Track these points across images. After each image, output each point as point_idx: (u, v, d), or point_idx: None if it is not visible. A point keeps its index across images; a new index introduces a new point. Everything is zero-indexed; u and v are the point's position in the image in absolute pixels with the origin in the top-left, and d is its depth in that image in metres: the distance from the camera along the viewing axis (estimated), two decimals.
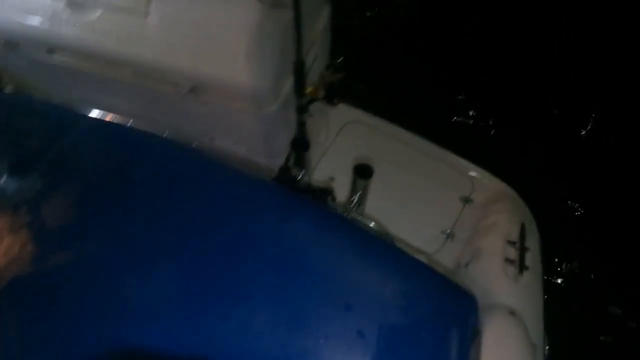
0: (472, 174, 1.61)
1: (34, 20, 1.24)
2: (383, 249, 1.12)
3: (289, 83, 1.21)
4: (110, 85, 1.33)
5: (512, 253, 1.21)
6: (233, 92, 1.17)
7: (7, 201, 1.11)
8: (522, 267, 1.15)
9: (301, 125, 1.21)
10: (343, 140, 1.71)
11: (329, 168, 1.63)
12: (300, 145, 1.25)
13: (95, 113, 1.38)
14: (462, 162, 1.64)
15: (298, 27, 0.94)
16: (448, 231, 1.49)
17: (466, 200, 1.55)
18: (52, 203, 1.12)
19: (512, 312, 1.03)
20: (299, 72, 1.03)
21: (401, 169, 1.62)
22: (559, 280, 1.91)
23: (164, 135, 1.33)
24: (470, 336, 0.98)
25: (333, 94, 1.16)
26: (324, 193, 1.32)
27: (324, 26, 1.41)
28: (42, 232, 1.07)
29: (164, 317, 0.98)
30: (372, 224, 1.29)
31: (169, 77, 1.21)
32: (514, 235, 1.26)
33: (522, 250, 1.20)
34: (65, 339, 0.97)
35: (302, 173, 1.33)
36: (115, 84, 1.32)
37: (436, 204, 1.55)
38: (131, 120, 1.38)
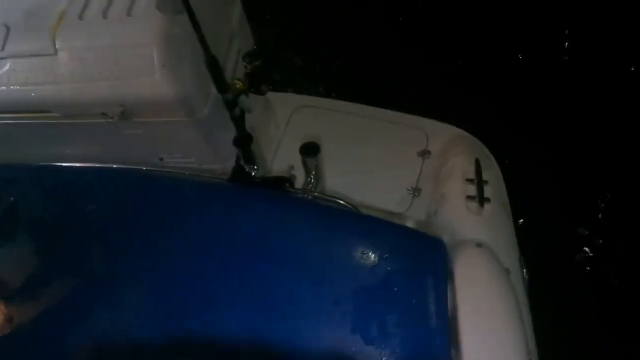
0: (425, 126, 1.63)
1: None
2: (342, 217, 1.13)
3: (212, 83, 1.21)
4: (44, 132, 1.32)
5: (472, 189, 1.23)
6: (160, 106, 1.17)
7: None
8: (481, 200, 1.17)
9: (237, 121, 1.21)
10: (294, 127, 1.72)
11: (287, 157, 1.63)
12: (243, 140, 1.25)
13: (37, 164, 1.36)
14: (413, 118, 1.65)
15: (196, 24, 0.94)
16: (413, 187, 1.50)
17: (424, 154, 1.56)
18: (8, 259, 1.12)
19: (479, 244, 1.04)
20: (213, 68, 1.04)
21: (356, 139, 1.63)
22: (529, 209, 1.94)
23: (111, 166, 1.33)
24: (444, 278, 0.99)
25: (256, 83, 1.16)
26: (281, 181, 1.32)
27: (239, 16, 1.41)
28: (7, 289, 1.07)
29: (139, 332, 0.98)
30: (336, 199, 1.30)
31: (95, 108, 1.20)
32: (471, 173, 1.28)
33: (480, 184, 1.21)
34: None
35: (254, 167, 1.33)
36: (48, 130, 1.31)
37: (396, 165, 1.56)
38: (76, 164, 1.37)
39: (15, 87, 1.20)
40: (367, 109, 1.74)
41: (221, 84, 1.08)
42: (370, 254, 1.01)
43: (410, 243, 1.05)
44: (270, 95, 1.73)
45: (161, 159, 1.44)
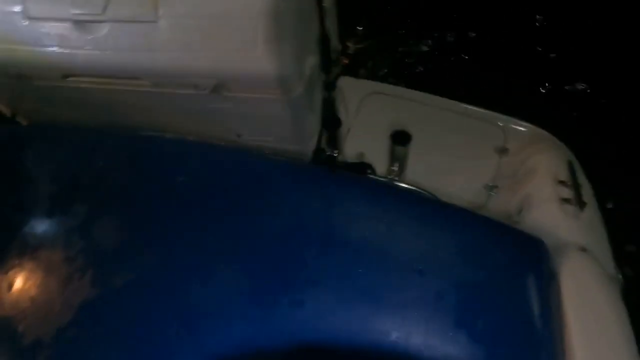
0: (503, 123, 1.59)
1: (44, 48, 1.22)
2: (439, 208, 1.11)
3: (310, 62, 1.18)
4: (131, 99, 1.31)
5: (566, 192, 1.19)
6: (257, 82, 1.15)
7: (55, 232, 1.11)
8: (580, 203, 1.13)
9: (330, 103, 1.19)
10: (365, 114, 1.69)
11: (357, 144, 1.61)
12: (332, 123, 1.23)
13: (121, 130, 1.36)
14: (490, 114, 1.61)
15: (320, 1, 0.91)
16: (490, 184, 1.47)
17: (502, 150, 1.52)
18: (100, 225, 1.12)
19: (583, 249, 1.01)
20: (325, 47, 1.01)
21: (430, 131, 1.60)
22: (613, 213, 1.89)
23: (193, 139, 1.32)
24: (548, 280, 0.97)
25: (358, 66, 1.14)
26: (364, 167, 1.31)
27: None
28: (98, 254, 1.07)
29: (237, 315, 0.98)
30: (420, 190, 1.28)
31: (189, 79, 1.19)
32: (562, 175, 1.24)
33: (576, 186, 1.18)
34: (145, 352, 0.97)
35: (336, 151, 1.32)
36: (136, 97, 1.30)
37: (473, 160, 1.53)
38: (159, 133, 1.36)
39: (110, 52, 1.19)
40: (440, 100, 1.70)
41: (328, 64, 1.05)
42: (472, 247, 0.98)
43: (511, 240, 1.02)
44: (341, 79, 1.71)
45: (239, 136, 1.42)
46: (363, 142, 1.60)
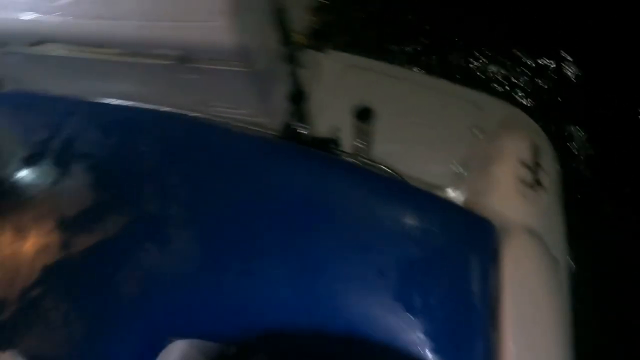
0: (479, 101, 1.57)
1: (15, 15, 1.23)
2: (394, 186, 1.12)
3: (274, 35, 1.17)
4: (102, 68, 1.32)
5: (526, 174, 1.19)
6: (219, 54, 1.15)
7: (25, 195, 1.15)
8: (536, 185, 1.14)
9: (294, 77, 1.19)
10: (342, 88, 1.67)
11: (333, 118, 1.60)
12: (297, 98, 1.23)
13: (93, 100, 1.38)
14: (467, 91, 1.59)
15: None
16: (461, 163, 1.47)
17: (475, 129, 1.51)
18: (65, 190, 1.15)
19: (529, 230, 1.03)
20: (281, 19, 1.00)
21: (406, 107, 1.59)
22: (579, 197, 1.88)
23: (163, 110, 1.33)
24: (490, 260, 0.99)
25: (320, 39, 1.13)
26: (329, 142, 1.31)
27: None
28: (63, 219, 1.11)
29: (188, 281, 1.02)
30: (382, 167, 1.28)
31: (155, 50, 1.19)
32: (527, 156, 1.24)
33: (535, 168, 1.17)
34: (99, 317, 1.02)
35: (305, 126, 1.32)
36: (106, 67, 1.31)
37: (446, 138, 1.52)
38: (128, 102, 1.38)
39: (77, 18, 1.19)
40: (418, 75, 1.69)
41: (286, 36, 1.05)
42: (418, 226, 1.00)
43: (459, 220, 1.04)
44: (319, 53, 1.69)
45: (211, 108, 1.43)
46: (339, 116, 1.59)
